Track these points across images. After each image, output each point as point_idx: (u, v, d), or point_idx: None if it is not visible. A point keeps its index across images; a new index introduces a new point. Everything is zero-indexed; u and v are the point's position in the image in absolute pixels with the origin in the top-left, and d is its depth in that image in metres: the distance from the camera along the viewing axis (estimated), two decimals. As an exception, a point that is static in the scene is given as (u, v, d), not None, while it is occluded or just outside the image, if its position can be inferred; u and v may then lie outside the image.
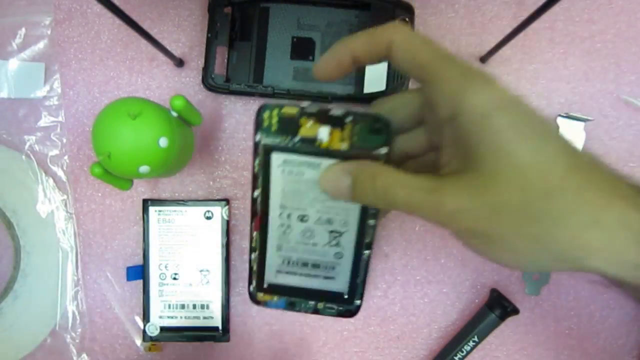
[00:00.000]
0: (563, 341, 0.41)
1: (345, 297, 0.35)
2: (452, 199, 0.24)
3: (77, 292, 0.42)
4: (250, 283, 0.34)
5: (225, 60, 0.40)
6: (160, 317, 0.40)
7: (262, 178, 0.31)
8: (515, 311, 0.39)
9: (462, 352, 0.39)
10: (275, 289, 0.35)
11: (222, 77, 0.40)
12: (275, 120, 0.28)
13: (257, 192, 0.32)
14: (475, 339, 0.39)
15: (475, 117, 0.24)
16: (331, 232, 0.33)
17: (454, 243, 0.41)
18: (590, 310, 0.41)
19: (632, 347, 0.41)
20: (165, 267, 0.40)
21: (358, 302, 0.35)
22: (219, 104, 0.41)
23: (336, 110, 0.27)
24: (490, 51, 0.38)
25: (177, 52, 0.41)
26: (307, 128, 0.28)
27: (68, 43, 0.42)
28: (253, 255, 0.34)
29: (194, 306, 0.40)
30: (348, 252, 0.34)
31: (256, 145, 0.29)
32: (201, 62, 0.40)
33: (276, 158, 0.30)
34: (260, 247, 0.34)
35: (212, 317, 0.40)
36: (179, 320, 0.40)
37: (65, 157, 0.42)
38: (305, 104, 0.28)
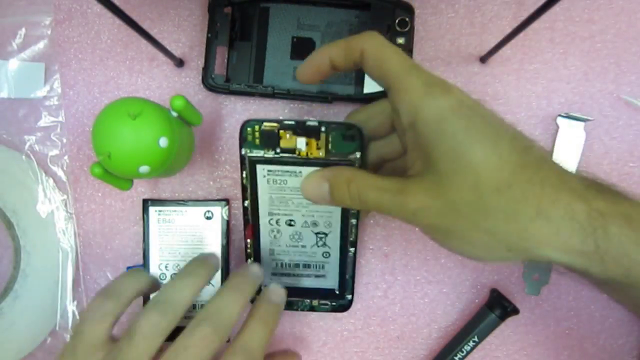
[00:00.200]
0: (563, 341, 0.41)
1: (337, 292, 0.37)
2: (415, 199, 0.26)
3: (77, 292, 0.42)
4: None
5: (225, 60, 0.40)
6: (160, 317, 0.40)
7: (250, 188, 0.33)
8: (515, 311, 0.39)
9: (462, 352, 0.39)
10: None
11: (222, 77, 0.40)
12: (257, 134, 0.30)
13: (247, 202, 0.34)
14: (475, 339, 0.39)
15: (431, 122, 0.26)
16: (317, 233, 0.35)
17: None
18: (590, 310, 0.41)
19: (632, 347, 0.41)
20: (166, 267, 0.40)
21: (349, 296, 0.38)
22: (219, 104, 0.41)
23: (311, 121, 0.29)
24: (490, 51, 0.38)
25: (177, 52, 0.41)
26: (287, 140, 0.30)
27: (68, 43, 0.42)
28: (249, 262, 0.36)
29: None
30: (335, 251, 0.36)
31: (242, 158, 0.31)
32: (201, 62, 0.40)
33: (261, 169, 0.32)
34: (254, 253, 0.36)
35: (212, 317, 0.40)
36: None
37: (65, 157, 0.42)
38: (283, 118, 0.31)
